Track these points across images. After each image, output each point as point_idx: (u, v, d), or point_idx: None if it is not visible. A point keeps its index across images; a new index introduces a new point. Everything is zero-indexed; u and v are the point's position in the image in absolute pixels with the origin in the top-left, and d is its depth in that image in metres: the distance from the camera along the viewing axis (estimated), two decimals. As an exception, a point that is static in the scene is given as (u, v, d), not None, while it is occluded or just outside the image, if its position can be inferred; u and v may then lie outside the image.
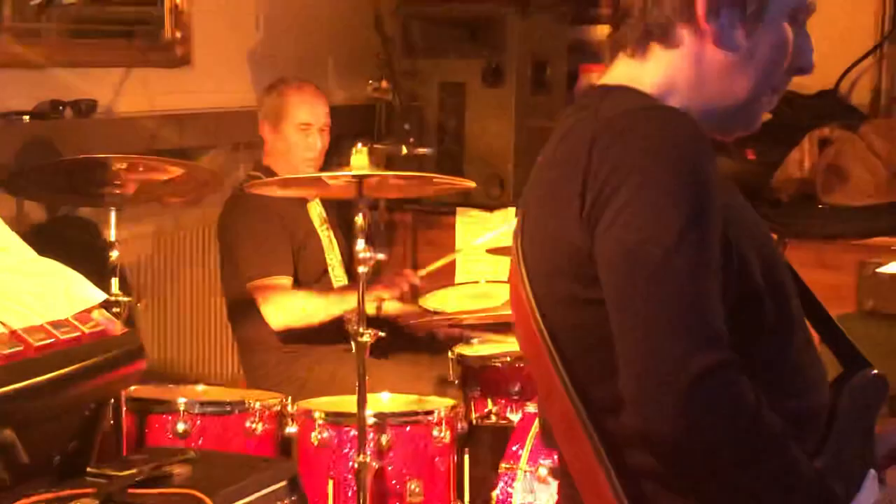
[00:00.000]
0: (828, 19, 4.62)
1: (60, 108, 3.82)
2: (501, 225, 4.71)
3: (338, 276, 3.97)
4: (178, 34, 4.36)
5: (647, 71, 1.59)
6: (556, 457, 1.62)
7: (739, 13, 1.56)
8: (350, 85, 5.00)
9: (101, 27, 4.23)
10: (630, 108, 1.53)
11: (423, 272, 3.87)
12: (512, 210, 4.76)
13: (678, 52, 1.58)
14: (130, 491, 2.09)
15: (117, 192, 3.09)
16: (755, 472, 1.42)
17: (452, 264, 4.66)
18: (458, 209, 4.78)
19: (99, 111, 3.96)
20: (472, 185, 3.16)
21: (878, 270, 3.66)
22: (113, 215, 3.07)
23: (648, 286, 1.42)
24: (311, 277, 3.83)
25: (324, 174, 3.23)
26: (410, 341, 3.98)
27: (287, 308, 3.65)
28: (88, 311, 2.44)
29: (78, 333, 2.36)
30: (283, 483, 2.28)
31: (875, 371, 1.66)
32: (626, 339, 1.43)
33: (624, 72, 1.61)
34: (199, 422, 3.22)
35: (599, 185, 1.47)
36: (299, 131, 3.88)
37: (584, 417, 1.50)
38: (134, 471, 2.14)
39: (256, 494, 2.20)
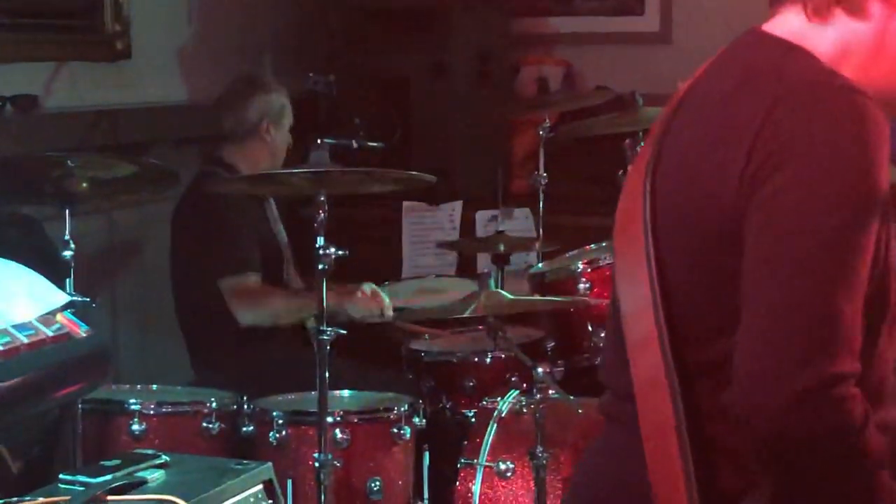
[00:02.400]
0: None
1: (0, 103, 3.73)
2: (445, 221, 4.70)
3: (291, 272, 3.95)
4: (118, 27, 4.28)
5: (823, 35, 1.55)
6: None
7: None
8: (289, 78, 4.94)
9: (37, 21, 4.13)
10: (818, 79, 1.49)
11: (393, 305, 3.80)
12: (458, 203, 4.75)
13: (863, 24, 1.54)
14: (108, 498, 2.03)
15: (70, 190, 3.02)
16: (836, 488, 1.42)
17: (398, 253, 4.64)
18: (404, 203, 4.75)
19: (39, 106, 3.88)
20: (433, 178, 3.14)
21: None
22: (67, 213, 3.00)
23: (794, 275, 1.39)
24: (272, 274, 3.80)
25: (292, 170, 3.20)
26: (361, 338, 3.95)
27: (259, 308, 3.64)
28: (52, 313, 2.37)
29: (42, 336, 2.29)
30: (258, 487, 2.22)
31: None
32: (756, 320, 1.41)
33: (795, 28, 1.56)
34: (154, 422, 3.17)
35: (770, 150, 1.43)
36: (288, 133, 3.89)
37: (672, 375, 1.48)
38: (109, 477, 2.07)
39: (233, 499, 2.14)
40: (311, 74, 4.81)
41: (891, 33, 1.54)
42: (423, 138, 4.76)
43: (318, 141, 3.00)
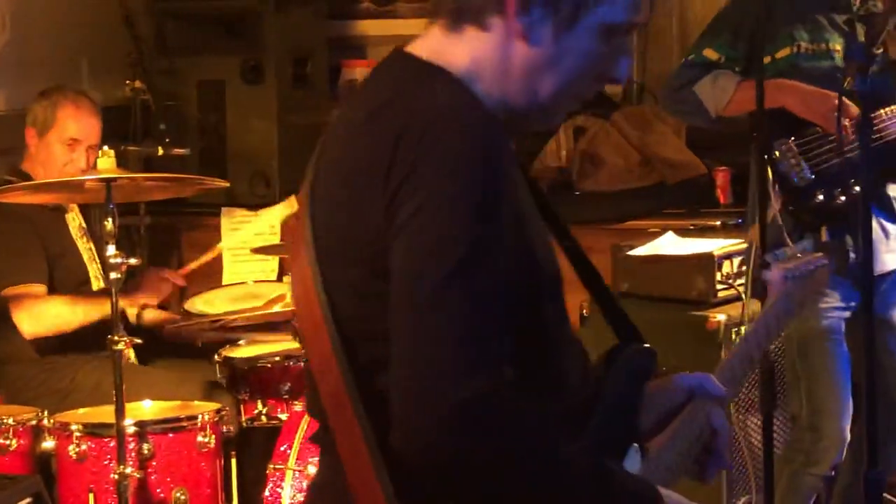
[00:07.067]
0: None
1: None
2: (266, 227, 4.68)
3: (100, 286, 3.88)
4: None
5: (457, 49, 1.57)
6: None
7: (551, 14, 1.55)
8: (105, 86, 4.87)
9: None
10: (440, 106, 1.50)
11: (184, 271, 3.80)
12: (278, 208, 4.72)
13: (489, 37, 1.56)
14: None
15: None
16: (527, 489, 1.44)
17: (218, 260, 4.60)
18: (223, 209, 4.71)
19: None
20: (226, 184, 3.13)
21: (629, 253, 3.77)
22: None
23: (425, 306, 1.41)
24: (70, 288, 3.73)
25: (66, 178, 3.15)
26: (175, 347, 3.91)
27: (40, 315, 3.56)
28: None
29: None
30: (27, 500, 2.19)
31: (646, 345, 1.71)
32: (401, 350, 1.42)
33: (436, 44, 1.58)
34: (-51, 441, 3.10)
35: (399, 182, 1.45)
36: (65, 145, 3.74)
37: (356, 401, 1.48)
38: None
39: (-3, 514, 2.11)
40: (126, 82, 4.75)
41: (513, 50, 1.56)
42: (240, 143, 4.72)
43: (105, 147, 2.94)
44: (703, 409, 1.70)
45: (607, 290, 1.76)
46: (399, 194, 1.45)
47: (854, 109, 2.97)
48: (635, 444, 1.65)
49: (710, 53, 3.26)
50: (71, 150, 3.73)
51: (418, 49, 1.59)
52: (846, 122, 2.98)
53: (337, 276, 1.53)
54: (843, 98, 2.94)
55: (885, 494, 3.45)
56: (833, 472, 3.34)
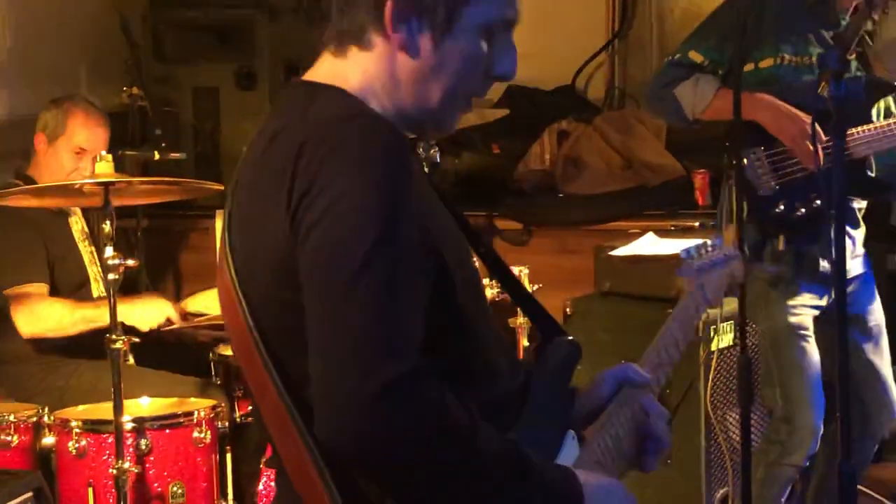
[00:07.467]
0: (561, 18, 4.90)
1: None
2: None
3: (100, 289, 3.96)
4: (-73, 42, 4.26)
5: (347, 71, 1.62)
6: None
7: (427, 23, 1.59)
8: (104, 92, 4.96)
9: None
10: (336, 116, 1.56)
11: (182, 310, 3.84)
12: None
13: (373, 54, 1.61)
14: None
15: None
16: (447, 475, 1.47)
17: (213, 260, 4.67)
18: (217, 212, 4.78)
19: None
20: (220, 187, 3.23)
21: (611, 253, 3.86)
22: None
23: (337, 302, 1.44)
24: (69, 289, 3.80)
25: (65, 182, 3.24)
26: (172, 345, 3.99)
27: (40, 316, 3.62)
28: None
29: None
30: (28, 495, 2.29)
31: (569, 337, 1.77)
32: (314, 350, 1.46)
33: (328, 69, 1.64)
34: (-49, 436, 3.20)
35: (302, 193, 1.50)
36: (73, 154, 3.81)
37: (296, 417, 1.51)
38: None
39: (1, 506, 2.21)
40: (124, 88, 4.84)
41: (398, 62, 1.62)
42: (234, 148, 4.82)
43: (103, 153, 3.04)
44: (631, 394, 1.78)
45: (524, 289, 1.83)
46: (304, 201, 1.49)
47: (822, 136, 3.05)
48: (572, 432, 1.70)
49: (695, 56, 3.34)
50: (79, 158, 3.81)
51: (313, 76, 1.65)
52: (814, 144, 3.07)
53: (260, 295, 1.57)
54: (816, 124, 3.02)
55: (859, 486, 3.55)
56: (808, 464, 3.43)
